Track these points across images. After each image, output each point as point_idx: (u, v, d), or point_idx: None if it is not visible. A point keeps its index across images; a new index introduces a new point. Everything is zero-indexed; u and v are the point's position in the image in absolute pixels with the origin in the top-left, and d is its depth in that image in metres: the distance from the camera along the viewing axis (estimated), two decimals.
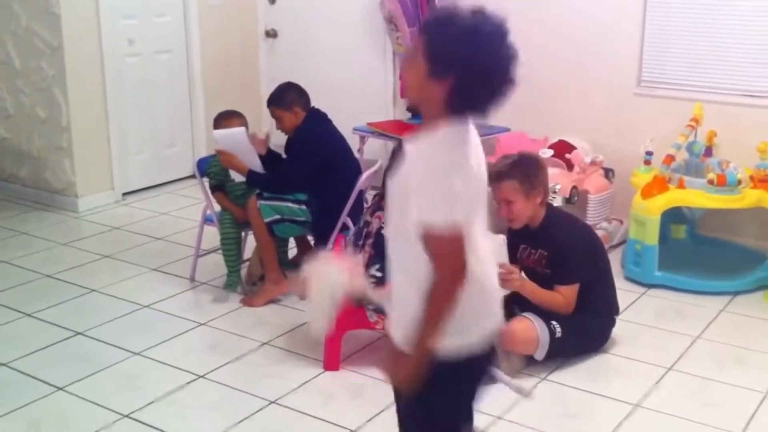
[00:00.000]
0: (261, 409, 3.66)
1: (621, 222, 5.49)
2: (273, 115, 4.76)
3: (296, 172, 4.59)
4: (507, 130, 5.78)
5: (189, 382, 3.89)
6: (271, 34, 7.25)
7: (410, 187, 2.21)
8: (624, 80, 5.63)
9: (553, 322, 3.91)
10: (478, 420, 3.49)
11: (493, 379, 3.72)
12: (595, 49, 5.69)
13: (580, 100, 5.80)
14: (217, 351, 4.21)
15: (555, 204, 4.77)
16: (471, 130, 2.34)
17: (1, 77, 6.46)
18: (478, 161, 2.33)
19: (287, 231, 4.70)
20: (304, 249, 5.09)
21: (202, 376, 3.94)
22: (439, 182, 2.19)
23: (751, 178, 4.83)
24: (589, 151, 5.53)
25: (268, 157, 4.74)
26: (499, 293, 2.47)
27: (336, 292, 2.54)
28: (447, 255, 2.19)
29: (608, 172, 5.53)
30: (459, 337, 2.30)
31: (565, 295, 3.95)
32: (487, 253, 2.42)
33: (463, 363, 2.34)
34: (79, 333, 4.37)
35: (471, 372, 2.41)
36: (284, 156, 4.79)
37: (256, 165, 4.63)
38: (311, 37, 7.03)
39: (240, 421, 3.56)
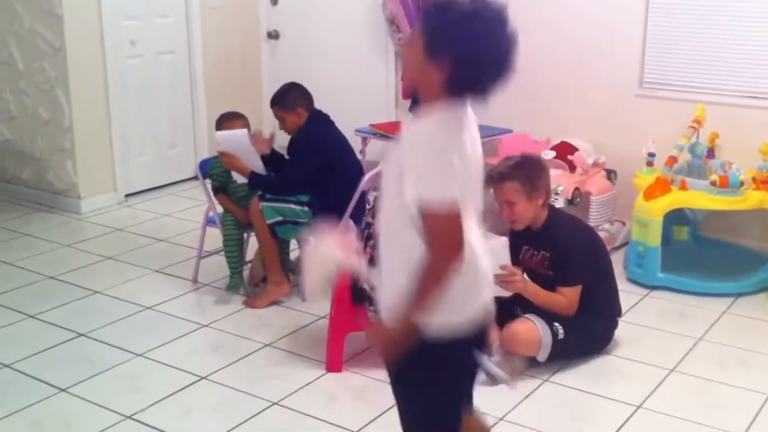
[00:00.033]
0: (263, 411, 3.66)
1: (623, 223, 5.49)
2: (276, 116, 4.76)
3: (298, 174, 4.59)
4: (509, 131, 5.78)
5: (191, 384, 3.89)
6: (273, 35, 7.26)
7: (406, 166, 2.22)
8: (626, 81, 5.63)
9: (556, 324, 3.91)
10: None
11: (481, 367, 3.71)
12: (597, 50, 5.69)
13: (582, 101, 5.80)
14: (220, 352, 4.21)
15: (557, 205, 4.77)
16: (468, 115, 2.36)
17: (5, 78, 6.46)
18: (473, 146, 2.34)
19: (289, 232, 4.70)
20: None
21: (205, 378, 3.94)
22: (436, 160, 2.20)
23: (754, 179, 4.82)
24: (591, 153, 5.53)
25: (272, 157, 4.74)
26: (489, 276, 2.49)
27: (331, 266, 2.53)
28: (444, 233, 2.20)
29: (610, 174, 5.53)
30: (446, 316, 2.32)
31: (567, 297, 3.95)
32: (479, 238, 2.43)
33: (451, 342, 2.35)
34: (81, 334, 4.37)
35: (460, 351, 2.41)
36: (287, 157, 4.79)
37: (258, 166, 4.63)
38: (313, 38, 7.04)
39: (242, 423, 3.57)
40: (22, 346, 4.23)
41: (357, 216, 4.56)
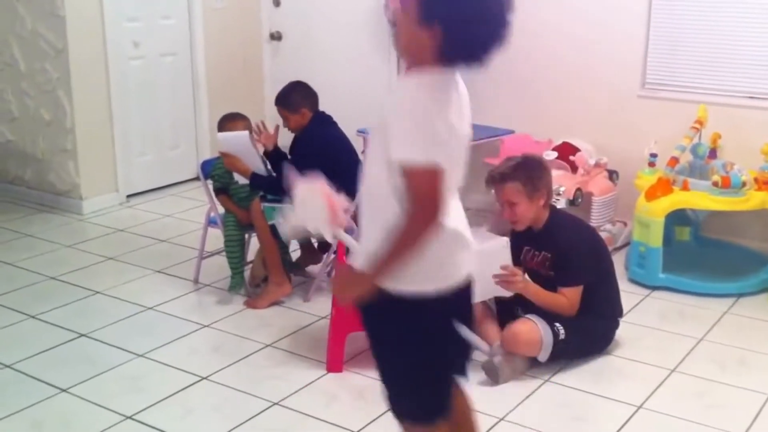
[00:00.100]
0: (264, 411, 3.66)
1: (625, 224, 5.49)
2: (280, 114, 4.76)
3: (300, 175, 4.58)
4: (511, 132, 5.79)
5: (192, 384, 3.89)
6: (276, 36, 7.26)
7: (391, 122, 2.23)
8: (628, 82, 5.62)
9: (557, 324, 3.91)
10: (480, 421, 3.51)
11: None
12: (599, 51, 5.68)
13: (584, 102, 5.79)
14: (221, 353, 4.21)
15: (559, 206, 4.77)
16: (459, 84, 2.36)
17: (6, 79, 6.47)
18: (461, 119, 2.34)
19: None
20: (308, 251, 5.09)
21: (206, 378, 3.94)
22: (421, 120, 2.20)
23: (756, 180, 4.82)
24: (593, 153, 5.53)
25: (275, 154, 4.74)
26: (469, 250, 2.47)
27: (310, 223, 2.52)
28: (423, 192, 2.20)
29: (612, 174, 5.53)
30: (420, 281, 2.34)
31: (568, 297, 3.94)
32: (458, 209, 2.45)
33: (424, 306, 2.37)
34: (82, 335, 4.37)
35: (433, 316, 2.41)
36: (289, 157, 4.79)
37: (260, 168, 4.64)
38: (315, 39, 7.04)
39: (243, 423, 3.56)
40: (23, 347, 4.24)
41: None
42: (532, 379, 3.90)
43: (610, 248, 4.84)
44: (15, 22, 6.27)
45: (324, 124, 4.74)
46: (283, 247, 4.84)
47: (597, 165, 5.43)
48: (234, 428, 3.53)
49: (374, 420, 3.52)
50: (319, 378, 3.93)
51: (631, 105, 5.63)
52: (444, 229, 2.31)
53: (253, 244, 4.96)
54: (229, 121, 4.78)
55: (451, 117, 2.27)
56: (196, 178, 6.81)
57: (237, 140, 4.61)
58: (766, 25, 5.15)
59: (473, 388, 3.76)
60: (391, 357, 2.50)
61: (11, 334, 4.41)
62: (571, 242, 3.98)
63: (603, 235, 5.00)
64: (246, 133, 4.63)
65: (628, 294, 4.66)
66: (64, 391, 3.82)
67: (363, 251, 2.38)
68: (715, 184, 4.72)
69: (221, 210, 4.88)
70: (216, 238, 4.96)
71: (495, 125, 5.88)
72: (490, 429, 3.50)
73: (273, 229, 4.58)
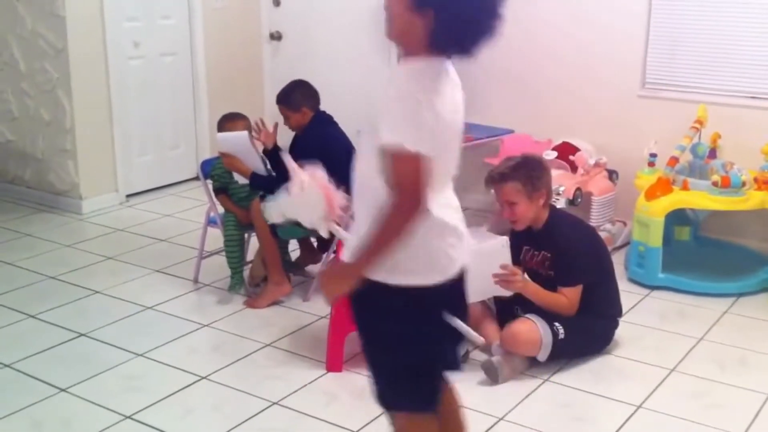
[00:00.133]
0: (263, 410, 3.66)
1: (624, 224, 5.49)
2: (281, 113, 4.76)
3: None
4: (511, 131, 5.79)
5: (192, 384, 3.89)
6: (276, 36, 7.26)
7: (380, 112, 2.24)
8: (628, 82, 5.62)
9: (556, 324, 3.91)
10: (479, 420, 3.51)
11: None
12: (600, 51, 5.68)
13: (584, 102, 5.79)
14: (220, 352, 4.21)
15: (558, 206, 4.77)
16: (450, 74, 2.36)
17: (6, 79, 6.47)
18: (452, 108, 2.34)
19: (290, 233, 4.70)
20: (307, 251, 5.10)
21: (205, 378, 3.94)
22: (407, 108, 2.21)
23: (755, 179, 4.82)
24: (592, 153, 5.53)
25: (275, 152, 4.74)
26: (462, 240, 2.47)
27: (304, 217, 2.51)
28: (405, 179, 2.20)
29: (612, 174, 5.53)
30: (407, 270, 2.34)
31: (568, 297, 3.94)
32: (453, 201, 2.46)
33: (411, 294, 2.37)
34: (82, 334, 4.37)
35: (419, 305, 2.41)
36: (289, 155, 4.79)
37: (259, 167, 4.64)
38: (315, 39, 7.04)
39: (242, 422, 3.56)
40: (22, 346, 4.23)
41: None
42: (531, 379, 3.90)
43: (609, 248, 4.85)
44: (15, 22, 6.27)
45: (324, 123, 4.74)
46: (283, 247, 4.84)
47: (597, 165, 5.43)
48: (233, 428, 3.53)
49: (374, 419, 3.52)
50: (318, 378, 3.93)
51: (631, 105, 5.63)
52: (435, 220, 2.32)
53: (253, 243, 4.96)
54: (229, 121, 4.78)
55: (439, 106, 2.27)
56: (196, 178, 6.82)
57: (236, 140, 4.61)
58: (766, 25, 5.15)
59: (473, 387, 3.80)
60: (382, 349, 2.50)
61: (11, 333, 4.41)
62: (570, 242, 3.98)
63: (602, 234, 5.00)
64: (245, 133, 4.63)
65: (628, 294, 4.66)
66: (63, 390, 3.82)
67: (353, 237, 2.39)
68: (715, 183, 4.72)
69: (221, 210, 4.88)
70: (216, 237, 4.96)
71: (495, 125, 5.89)
72: (489, 429, 3.50)
73: (272, 229, 4.59)
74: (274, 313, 4.61)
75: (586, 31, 5.71)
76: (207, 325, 4.48)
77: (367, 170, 2.35)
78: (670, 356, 4.11)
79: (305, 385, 3.87)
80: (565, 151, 5.50)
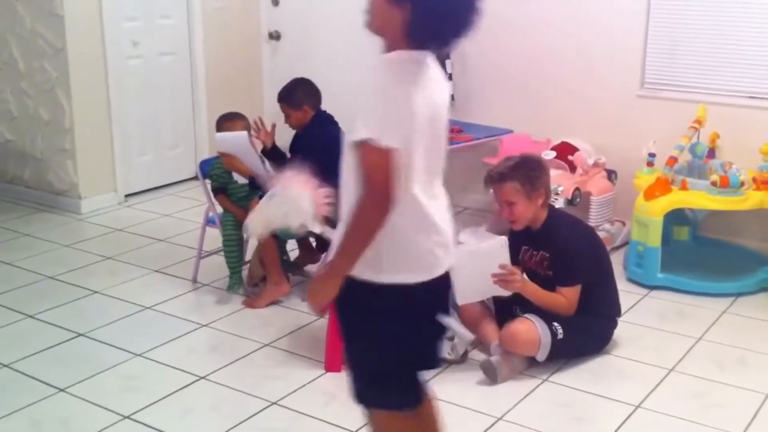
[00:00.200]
0: (262, 410, 3.66)
1: (623, 224, 5.49)
2: (282, 110, 4.76)
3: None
4: (510, 131, 5.78)
5: (190, 384, 3.89)
6: (274, 36, 7.26)
7: (357, 106, 2.24)
8: (627, 82, 5.62)
9: (555, 324, 3.91)
10: (477, 420, 3.52)
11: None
12: (599, 51, 5.68)
13: (583, 102, 5.79)
14: (219, 352, 4.21)
15: (557, 206, 4.77)
16: (431, 68, 2.35)
17: (5, 79, 6.47)
18: (434, 102, 2.33)
19: (289, 233, 4.69)
20: (306, 251, 5.09)
21: (204, 378, 3.94)
22: (380, 101, 2.22)
23: (754, 179, 4.82)
24: (591, 153, 5.53)
25: (273, 152, 4.74)
26: (445, 238, 2.45)
27: (293, 218, 2.50)
28: (374, 174, 2.19)
29: (611, 174, 5.52)
30: (396, 272, 2.34)
31: (567, 297, 3.94)
32: (442, 198, 2.44)
33: (399, 295, 2.36)
34: (80, 334, 4.37)
35: (407, 306, 2.40)
36: (288, 155, 4.79)
37: (258, 167, 4.63)
38: (314, 38, 7.04)
39: (241, 422, 3.56)
40: (21, 346, 4.23)
41: None
42: (530, 379, 3.90)
43: (608, 248, 4.84)
44: (14, 22, 6.27)
45: (325, 122, 4.74)
46: (281, 247, 4.84)
47: (595, 164, 5.43)
48: (232, 428, 3.53)
49: None
50: (317, 377, 3.93)
51: (630, 105, 5.63)
52: (421, 217, 2.32)
53: (252, 243, 4.96)
54: (228, 121, 4.78)
55: (418, 99, 2.26)
56: (195, 178, 6.82)
57: (236, 140, 4.61)
58: (766, 25, 5.15)
59: (471, 387, 3.81)
60: (364, 346, 2.49)
61: (10, 333, 4.41)
62: (569, 242, 3.98)
63: (601, 234, 5.00)
64: (245, 133, 4.63)
65: (627, 293, 4.66)
66: (62, 390, 3.82)
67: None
68: (714, 183, 4.72)
69: (219, 209, 4.88)
70: (214, 237, 4.96)
71: (494, 125, 5.88)
72: (488, 428, 3.50)
73: None
74: (273, 313, 4.61)
75: (585, 30, 5.70)
76: (206, 325, 4.48)
77: (348, 168, 2.34)
78: (669, 356, 4.11)
79: (304, 385, 3.86)
80: (564, 150, 5.50)
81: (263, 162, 4.67)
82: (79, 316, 4.58)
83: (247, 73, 7.26)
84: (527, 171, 3.93)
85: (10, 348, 4.22)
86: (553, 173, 4.61)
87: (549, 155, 5.37)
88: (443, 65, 5.95)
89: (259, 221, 2.55)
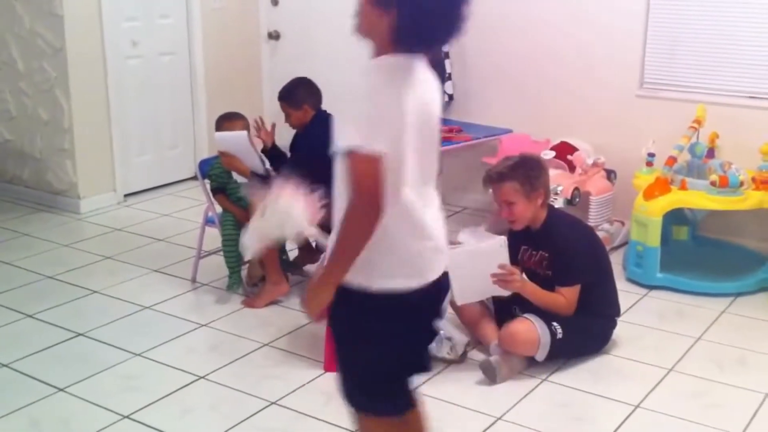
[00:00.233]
0: (261, 410, 3.66)
1: (622, 223, 5.49)
2: (282, 110, 4.75)
3: (299, 175, 4.58)
4: (509, 131, 5.79)
5: (190, 383, 3.89)
6: (274, 35, 7.26)
7: (339, 112, 2.25)
8: (626, 82, 5.62)
9: (554, 323, 3.91)
10: (477, 420, 3.52)
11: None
12: (598, 50, 5.68)
13: (582, 101, 5.79)
14: (218, 352, 4.21)
15: (556, 205, 4.77)
16: (420, 71, 2.34)
17: (4, 79, 6.47)
18: (423, 106, 2.31)
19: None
20: (305, 250, 5.09)
21: (203, 377, 3.94)
22: (364, 106, 2.20)
23: (753, 179, 4.82)
24: (591, 153, 5.53)
25: (273, 151, 4.74)
26: (442, 240, 2.45)
27: (288, 228, 2.49)
28: (362, 181, 2.18)
29: (610, 174, 5.52)
30: (389, 277, 2.33)
31: (566, 297, 3.94)
32: (434, 204, 2.43)
33: (391, 301, 2.35)
34: (80, 334, 4.37)
35: (400, 313, 2.39)
36: (288, 155, 4.79)
37: (258, 167, 4.63)
38: (314, 38, 7.03)
39: (240, 422, 3.56)
40: (20, 346, 4.23)
41: None
42: (529, 379, 3.90)
43: (607, 248, 4.84)
44: (13, 22, 6.26)
45: (325, 122, 4.70)
46: (281, 247, 4.84)
47: (595, 164, 5.43)
48: (232, 427, 3.53)
49: None
50: (316, 377, 3.92)
51: (629, 104, 5.63)
52: (414, 222, 2.31)
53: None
54: (227, 121, 4.78)
55: (407, 103, 2.25)
56: (194, 178, 6.81)
57: (235, 140, 4.60)
58: (765, 25, 5.15)
59: (471, 387, 3.81)
60: (354, 350, 2.48)
61: (9, 333, 4.40)
62: (568, 242, 3.98)
63: (600, 234, 5.00)
64: (244, 132, 4.63)
65: (626, 293, 4.66)
66: (61, 390, 3.82)
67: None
68: (713, 183, 4.72)
69: (219, 209, 4.87)
70: (213, 237, 4.96)
71: (493, 124, 5.89)
72: (487, 428, 3.50)
73: None
74: (272, 313, 4.61)
75: (584, 30, 5.71)
76: (205, 325, 4.48)
77: (338, 173, 2.34)
78: (668, 356, 4.11)
79: (303, 384, 3.86)
80: (564, 150, 5.50)
81: (263, 162, 4.67)
82: (78, 316, 4.58)
83: (247, 73, 7.26)
84: (526, 171, 3.93)
85: (10, 348, 4.22)
86: (553, 173, 4.61)
87: (548, 155, 5.37)
88: (443, 65, 5.96)
89: (254, 237, 2.54)
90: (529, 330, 3.89)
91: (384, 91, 2.23)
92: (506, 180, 3.91)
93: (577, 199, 5.23)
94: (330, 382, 3.87)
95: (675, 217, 5.09)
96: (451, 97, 6.11)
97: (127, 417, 3.60)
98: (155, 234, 5.84)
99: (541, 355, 3.92)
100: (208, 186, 4.91)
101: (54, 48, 6.09)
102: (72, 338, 4.33)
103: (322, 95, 4.77)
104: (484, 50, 5.94)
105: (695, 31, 5.38)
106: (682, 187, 4.84)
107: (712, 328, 4.43)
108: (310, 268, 5.07)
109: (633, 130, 5.57)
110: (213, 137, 4.87)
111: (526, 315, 3.95)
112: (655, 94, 5.56)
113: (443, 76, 5.99)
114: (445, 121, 5.81)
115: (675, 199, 4.82)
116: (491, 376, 3.84)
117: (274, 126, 4.84)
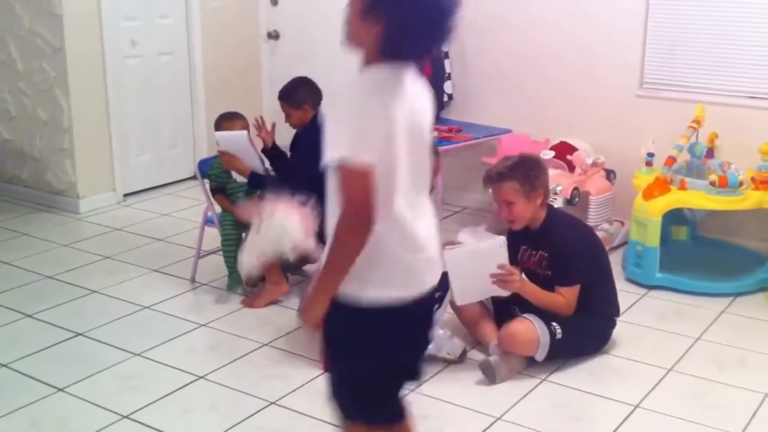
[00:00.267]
0: (261, 410, 3.66)
1: (622, 223, 5.49)
2: (282, 109, 4.75)
3: (298, 175, 4.58)
4: (509, 131, 5.79)
5: (189, 383, 3.89)
6: (273, 35, 7.26)
7: (326, 124, 2.22)
8: (626, 82, 5.62)
9: (554, 323, 3.91)
10: (476, 420, 3.51)
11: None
12: (598, 50, 5.68)
13: (582, 101, 5.79)
14: (218, 352, 4.21)
15: (556, 205, 4.77)
16: (410, 80, 2.34)
17: (4, 79, 6.46)
18: (413, 116, 2.31)
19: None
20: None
21: (203, 377, 3.94)
22: (353, 118, 2.19)
23: (753, 179, 4.82)
24: (590, 153, 5.53)
25: (273, 151, 4.74)
26: (435, 251, 2.45)
27: (284, 242, 2.47)
28: (351, 194, 2.18)
29: (609, 174, 5.53)
30: (382, 288, 2.32)
31: (565, 297, 3.94)
32: (428, 214, 2.43)
33: (383, 313, 2.34)
34: (79, 334, 4.37)
35: (392, 324, 2.39)
36: (288, 155, 4.79)
37: (258, 167, 4.63)
38: (313, 38, 7.03)
39: (240, 422, 3.56)
40: (19, 346, 4.23)
41: None
42: (529, 379, 3.90)
43: (607, 247, 4.84)
44: (12, 21, 6.26)
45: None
46: None
47: (594, 164, 5.43)
48: (231, 427, 3.53)
49: None
50: (316, 377, 3.92)
51: (628, 104, 5.63)
52: (405, 233, 2.31)
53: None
54: (227, 120, 4.78)
55: (395, 110, 2.24)
56: (193, 177, 6.81)
57: (235, 139, 4.61)
58: (765, 25, 5.15)
59: (470, 387, 3.81)
60: (345, 360, 2.48)
61: (8, 333, 4.40)
62: (568, 241, 3.98)
63: (600, 234, 5.00)
64: (244, 132, 4.63)
65: (625, 293, 4.66)
66: (60, 390, 3.82)
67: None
68: (713, 183, 4.72)
69: (218, 209, 4.87)
70: (213, 237, 4.96)
71: (492, 124, 5.89)
72: (486, 428, 3.50)
73: None
74: (272, 313, 4.61)
75: (584, 30, 5.71)
76: (204, 325, 4.48)
77: (329, 184, 2.33)
78: (667, 356, 4.11)
79: (303, 384, 3.86)
80: (563, 150, 5.50)
81: (263, 161, 4.66)
82: (77, 316, 4.57)
83: (246, 72, 7.26)
84: (526, 171, 3.93)
85: (9, 347, 4.21)
86: (552, 173, 4.61)
87: (548, 155, 5.37)
88: (442, 65, 5.96)
89: (252, 255, 2.54)
90: (529, 330, 3.89)
91: (371, 102, 2.22)
92: (506, 180, 3.91)
93: (577, 199, 5.23)
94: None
95: (674, 217, 5.10)
96: (450, 96, 6.11)
97: (127, 417, 3.60)
98: (155, 234, 5.84)
99: (540, 355, 3.92)
100: (207, 186, 4.91)
101: (53, 48, 6.08)
102: (71, 338, 4.33)
103: (323, 95, 4.78)
104: (484, 50, 5.94)
105: (695, 31, 5.38)
106: (682, 187, 4.84)
107: (712, 328, 4.43)
108: (309, 268, 5.07)
109: (632, 130, 5.57)
110: (212, 137, 4.87)
111: (525, 315, 3.95)
112: (655, 94, 5.56)
113: (443, 76, 6.00)
114: (444, 121, 5.82)
115: (674, 199, 4.82)
116: (491, 376, 3.84)
117: (274, 125, 4.84)
